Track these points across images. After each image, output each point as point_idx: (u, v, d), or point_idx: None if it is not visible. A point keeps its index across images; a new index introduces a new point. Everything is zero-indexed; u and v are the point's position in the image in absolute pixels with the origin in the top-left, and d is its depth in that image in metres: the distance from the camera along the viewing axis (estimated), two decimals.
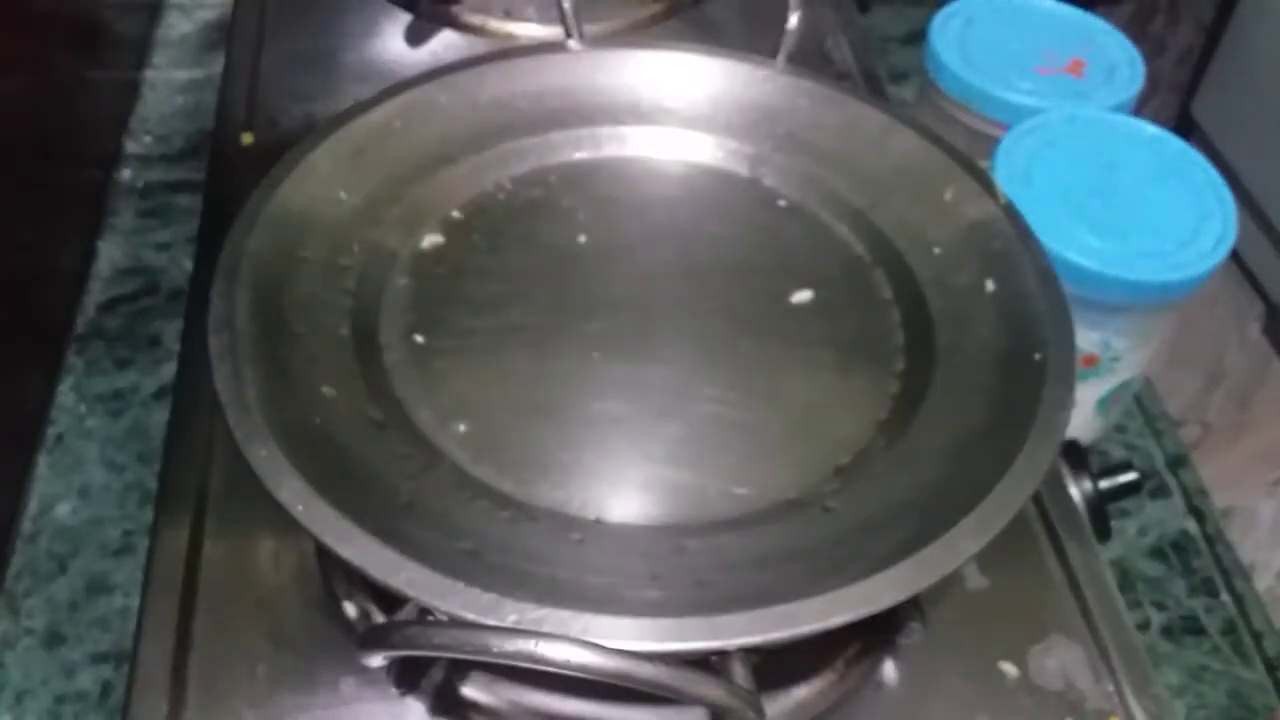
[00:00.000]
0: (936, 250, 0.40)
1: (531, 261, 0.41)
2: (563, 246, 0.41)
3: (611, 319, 0.39)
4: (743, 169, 0.44)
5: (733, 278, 0.41)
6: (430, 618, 0.28)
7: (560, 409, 0.36)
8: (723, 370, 0.38)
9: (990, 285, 0.38)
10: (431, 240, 0.41)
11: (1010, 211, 0.39)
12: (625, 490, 0.34)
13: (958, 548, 0.29)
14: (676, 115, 0.45)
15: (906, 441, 0.35)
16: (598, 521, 0.33)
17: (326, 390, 0.34)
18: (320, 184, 0.39)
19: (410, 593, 0.28)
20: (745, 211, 0.43)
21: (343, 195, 0.40)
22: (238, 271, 0.35)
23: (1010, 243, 0.38)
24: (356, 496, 0.30)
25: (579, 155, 0.44)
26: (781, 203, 0.43)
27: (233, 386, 0.32)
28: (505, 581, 0.28)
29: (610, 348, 0.38)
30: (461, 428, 0.35)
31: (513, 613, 0.27)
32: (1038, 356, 0.35)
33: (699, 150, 0.44)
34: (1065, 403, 0.33)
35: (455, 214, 0.42)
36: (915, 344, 0.38)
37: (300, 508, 0.29)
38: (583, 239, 0.42)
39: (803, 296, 0.40)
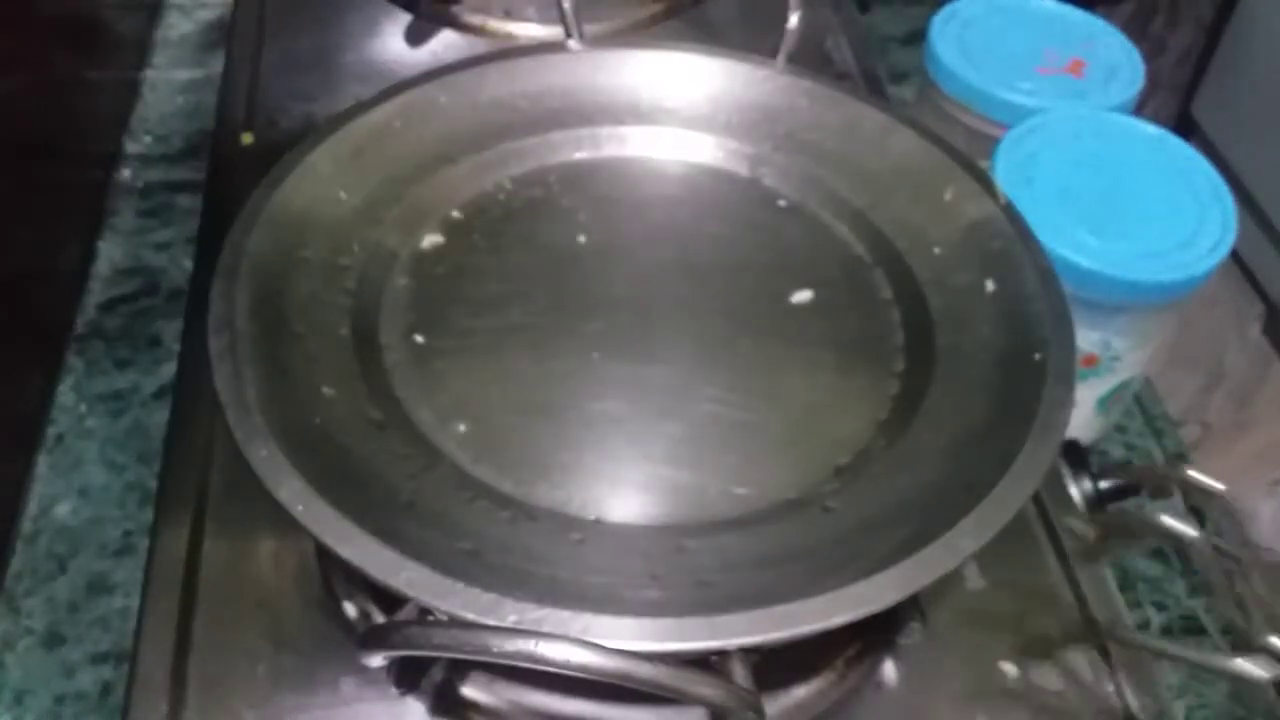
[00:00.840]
0: (936, 250, 0.40)
1: (531, 261, 0.41)
2: (563, 246, 0.41)
3: (611, 319, 0.39)
4: (743, 169, 0.44)
5: (733, 278, 0.41)
6: (430, 618, 0.28)
7: (560, 409, 0.36)
8: (723, 370, 0.38)
9: (990, 285, 0.38)
10: (431, 240, 0.41)
11: (1010, 211, 0.39)
12: (625, 490, 0.34)
13: (958, 547, 0.29)
14: (676, 115, 0.45)
15: (906, 441, 0.35)
16: (598, 521, 0.33)
17: (326, 390, 0.34)
18: (320, 184, 0.39)
19: (410, 593, 0.28)
20: (745, 211, 0.43)
21: (343, 195, 0.40)
22: (238, 271, 0.35)
23: (1010, 243, 0.39)
24: (356, 496, 0.30)
25: (579, 155, 0.44)
26: (781, 203, 0.43)
27: (233, 386, 0.32)
28: (505, 581, 0.28)
29: (610, 348, 0.38)
30: (461, 428, 0.35)
31: (513, 613, 0.27)
32: (1038, 356, 0.35)
33: (699, 150, 0.44)
34: (1065, 403, 0.33)
35: (455, 214, 0.42)
36: (915, 344, 0.38)
37: (300, 508, 0.29)
38: (583, 239, 0.42)
39: (803, 296, 0.40)
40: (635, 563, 0.32)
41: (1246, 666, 0.29)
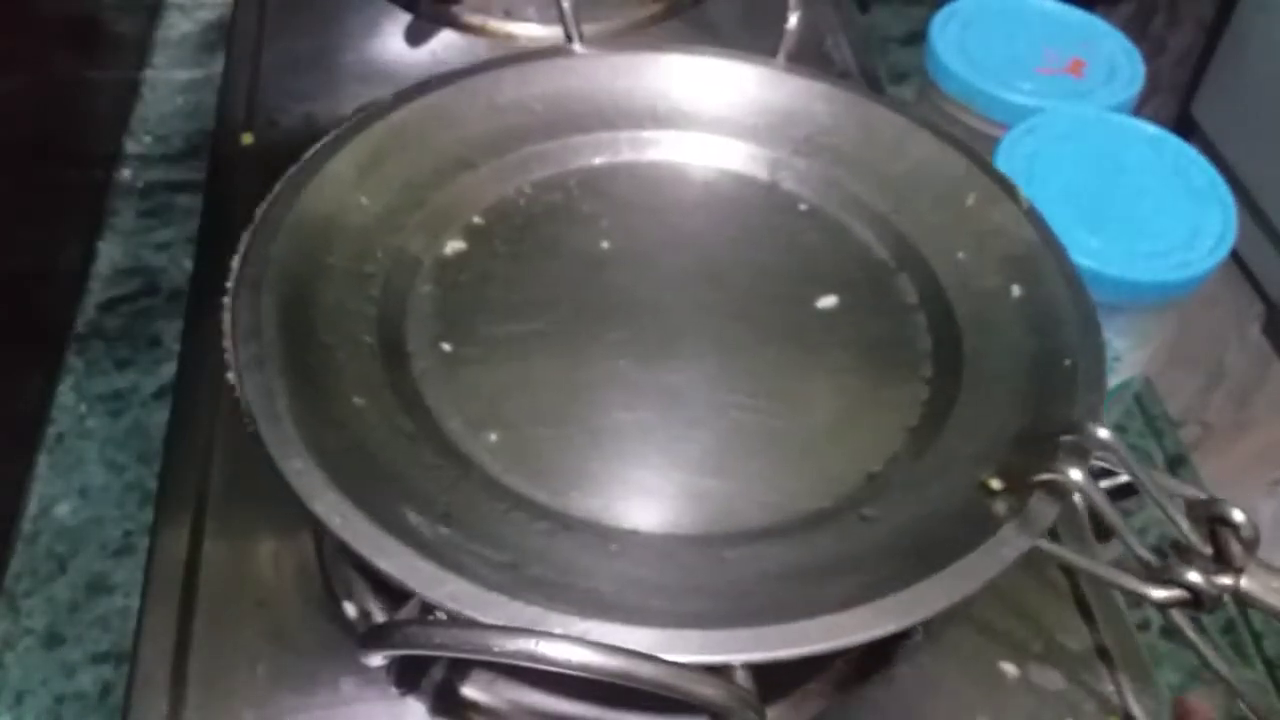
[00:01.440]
0: (960, 255, 0.40)
1: (555, 268, 0.40)
2: (586, 252, 0.41)
3: (636, 326, 0.39)
4: (762, 173, 0.44)
5: (756, 283, 0.41)
6: (431, 617, 0.28)
7: (588, 417, 0.36)
8: (750, 377, 0.37)
9: (1016, 290, 0.38)
10: (454, 246, 0.41)
11: (1033, 216, 0.39)
12: (659, 500, 0.34)
13: (1000, 555, 0.29)
14: (694, 119, 0.44)
15: (938, 448, 0.35)
16: (634, 531, 0.33)
17: (357, 401, 0.34)
18: (342, 190, 0.39)
19: (455, 608, 0.27)
20: (766, 216, 0.43)
21: (364, 201, 0.39)
22: (263, 280, 0.34)
23: (1034, 248, 0.38)
24: (390, 507, 0.30)
25: (598, 160, 0.44)
26: (802, 206, 0.43)
27: (263, 398, 0.31)
28: (545, 594, 0.28)
29: (636, 355, 0.38)
30: (493, 437, 0.35)
31: (559, 627, 0.27)
32: (1068, 362, 0.34)
33: (718, 154, 0.44)
34: (1097, 409, 0.33)
35: (477, 220, 0.42)
36: (943, 349, 0.38)
37: (338, 520, 0.29)
38: (605, 245, 0.41)
39: (828, 302, 0.40)
40: (674, 574, 0.31)
41: (1156, 592, 0.30)
